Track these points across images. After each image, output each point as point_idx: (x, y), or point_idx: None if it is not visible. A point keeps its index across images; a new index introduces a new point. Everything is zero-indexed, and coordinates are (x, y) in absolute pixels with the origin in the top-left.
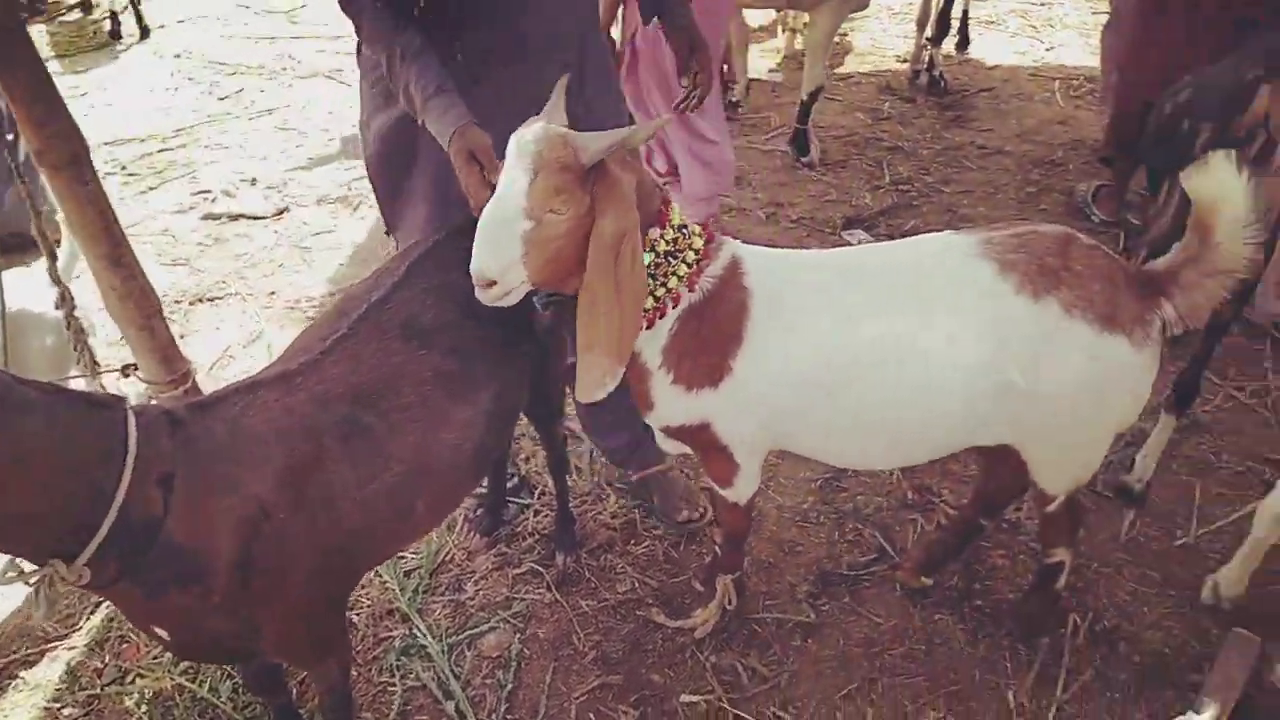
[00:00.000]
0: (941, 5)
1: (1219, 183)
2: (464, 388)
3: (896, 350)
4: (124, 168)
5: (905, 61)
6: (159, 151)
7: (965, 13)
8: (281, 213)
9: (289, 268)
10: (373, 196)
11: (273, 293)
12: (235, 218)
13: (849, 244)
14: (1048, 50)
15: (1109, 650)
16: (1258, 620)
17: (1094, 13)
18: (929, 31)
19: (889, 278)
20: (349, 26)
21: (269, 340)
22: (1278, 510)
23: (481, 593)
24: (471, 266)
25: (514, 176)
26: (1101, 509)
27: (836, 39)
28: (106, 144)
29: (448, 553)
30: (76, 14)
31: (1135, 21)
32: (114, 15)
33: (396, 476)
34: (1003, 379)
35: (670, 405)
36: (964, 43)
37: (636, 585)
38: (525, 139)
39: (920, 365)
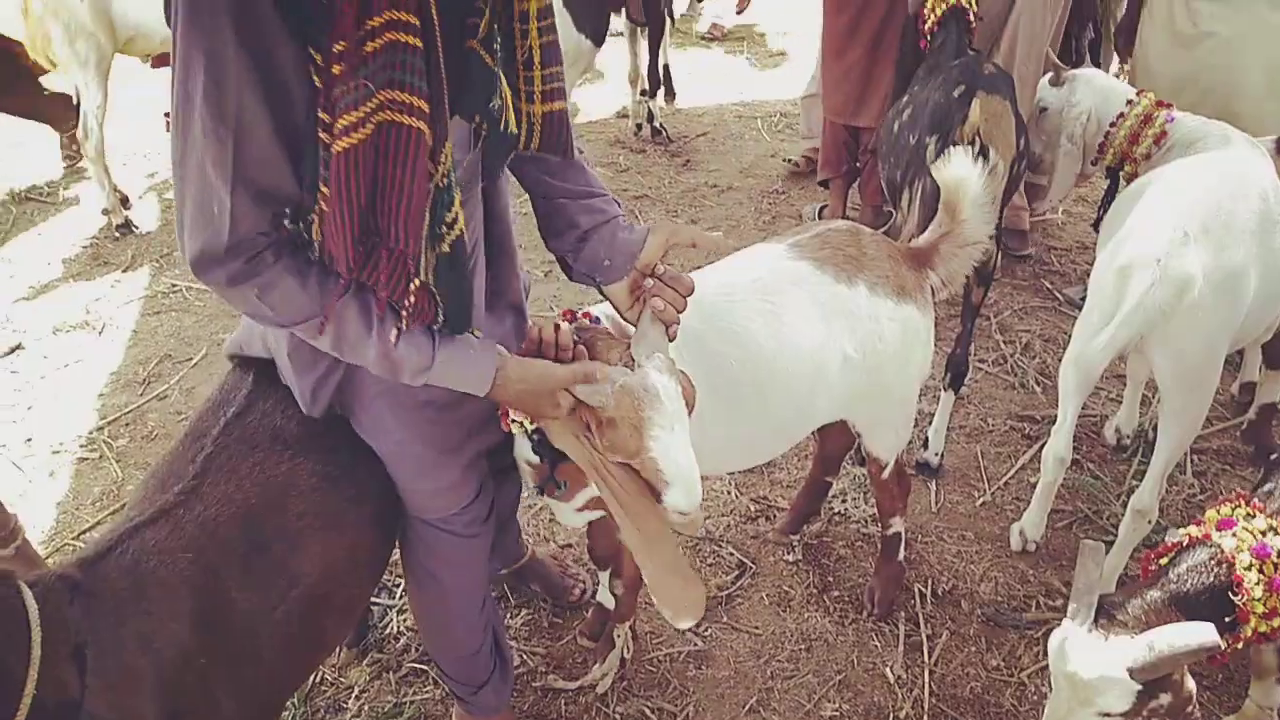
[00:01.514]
0: (649, 64)
1: (961, 172)
2: (350, 489)
3: (768, 351)
4: None
5: (625, 117)
6: None
7: (666, 67)
8: (14, 350)
9: (39, 409)
10: (122, 314)
11: (29, 440)
12: None
13: None
14: (740, 94)
15: (955, 609)
16: (1060, 553)
17: (770, 56)
18: (642, 87)
19: (737, 294)
20: (36, 144)
21: (40, 493)
22: (1057, 454)
23: (367, 706)
24: (692, 507)
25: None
26: (911, 487)
27: None
28: None
29: (317, 675)
30: None
31: (829, 64)
32: None
33: (304, 592)
34: (840, 354)
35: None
36: (670, 95)
37: (526, 657)
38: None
39: (790, 357)
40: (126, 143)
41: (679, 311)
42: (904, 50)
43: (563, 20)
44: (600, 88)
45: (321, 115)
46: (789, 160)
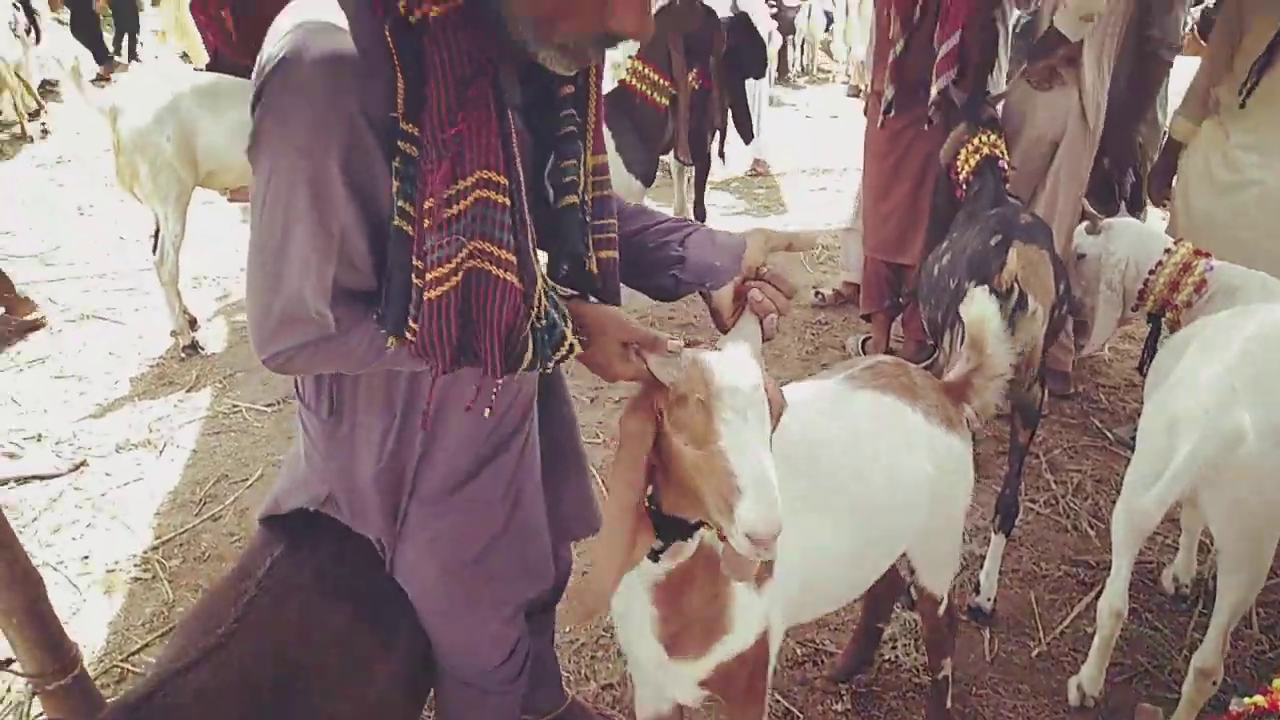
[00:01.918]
0: (695, 198)
1: (982, 310)
2: (387, 635)
3: (850, 479)
4: None
5: None
6: None
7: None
8: (79, 466)
9: (98, 527)
10: (183, 433)
11: (86, 557)
12: (25, 480)
13: None
14: (783, 224)
15: None
16: (1120, 708)
17: (812, 190)
18: (689, 216)
19: (811, 425)
20: (109, 263)
21: (93, 612)
22: (1113, 607)
23: None
24: (770, 528)
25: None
26: (963, 633)
27: None
28: None
29: None
30: None
31: (871, 204)
32: None
33: None
34: (921, 474)
35: (748, 616)
36: (701, 219)
37: None
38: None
39: (873, 482)
40: (198, 267)
41: (781, 311)
42: (939, 198)
43: (614, 162)
44: None
45: (415, 262)
46: (819, 294)
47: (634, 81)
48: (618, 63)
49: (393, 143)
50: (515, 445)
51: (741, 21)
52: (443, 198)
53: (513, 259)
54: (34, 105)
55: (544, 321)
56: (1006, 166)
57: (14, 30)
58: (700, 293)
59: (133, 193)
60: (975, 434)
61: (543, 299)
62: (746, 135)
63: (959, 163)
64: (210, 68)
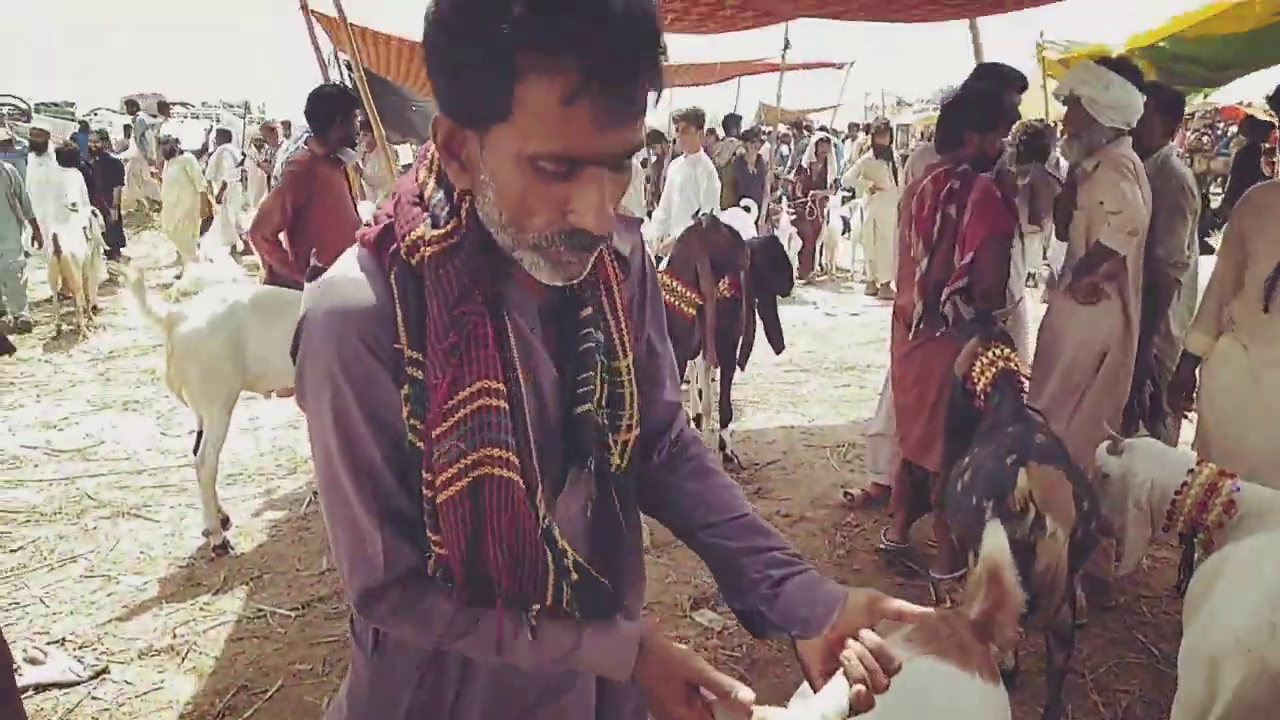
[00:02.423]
0: (721, 398)
1: (996, 545)
2: None
3: None
4: None
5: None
6: None
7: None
8: (100, 674)
9: None
10: (207, 639)
11: None
12: (44, 688)
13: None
14: (810, 422)
15: None
16: None
17: (836, 386)
18: (715, 416)
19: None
20: (150, 459)
21: None
22: None
23: None
24: None
25: None
26: None
27: None
28: None
29: None
30: None
31: (900, 408)
32: None
33: None
34: None
35: None
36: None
37: None
38: None
39: None
40: (234, 462)
41: (876, 688)
42: (955, 409)
43: None
44: None
45: (425, 474)
46: (849, 494)
47: (663, 294)
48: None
49: (402, 372)
50: (566, 700)
51: (771, 244)
52: (447, 408)
53: (515, 460)
54: (95, 304)
55: (569, 560)
56: (1024, 380)
57: (86, 233)
58: (789, 639)
59: (181, 396)
60: (1019, 649)
61: (541, 503)
62: (777, 345)
63: (974, 374)
64: (268, 282)
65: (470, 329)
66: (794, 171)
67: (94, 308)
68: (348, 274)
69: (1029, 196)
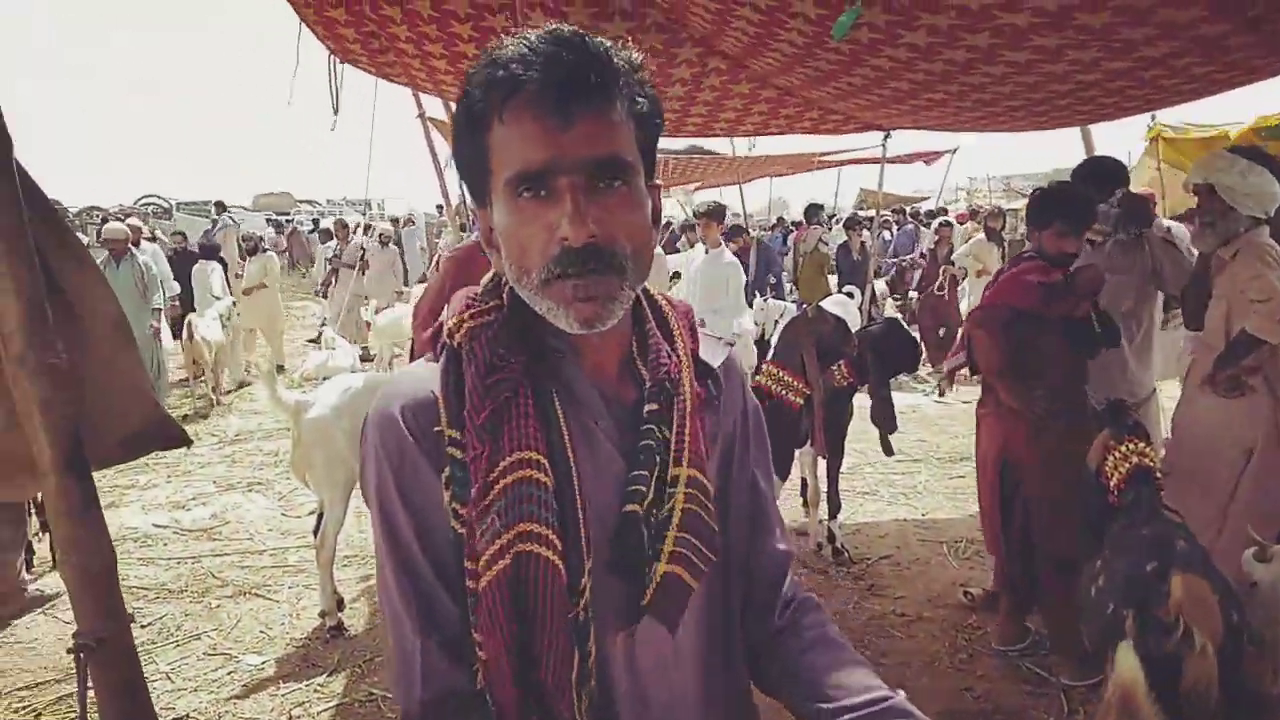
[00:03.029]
0: (829, 489)
1: (1129, 671)
2: None
3: None
4: (38, 716)
5: (804, 534)
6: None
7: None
8: None
9: None
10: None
11: None
12: None
13: None
14: (924, 515)
15: None
16: None
17: (950, 478)
18: (823, 507)
19: None
20: (270, 539)
21: None
22: None
23: None
24: None
25: None
26: None
27: None
28: (20, 689)
29: None
30: None
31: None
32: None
33: None
34: None
35: None
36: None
37: None
38: None
39: None
40: (348, 544)
41: None
42: (1090, 503)
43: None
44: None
45: (468, 564)
46: (969, 594)
47: (768, 383)
48: (743, 372)
49: (443, 455)
50: None
51: (894, 325)
52: (485, 482)
53: (556, 540)
54: (226, 388)
55: (584, 616)
56: (1160, 475)
57: (224, 321)
58: None
59: (305, 480)
60: None
61: (588, 593)
62: (888, 426)
63: (1108, 469)
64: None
65: (507, 398)
66: (916, 256)
67: (225, 391)
68: (408, 370)
69: (1151, 267)
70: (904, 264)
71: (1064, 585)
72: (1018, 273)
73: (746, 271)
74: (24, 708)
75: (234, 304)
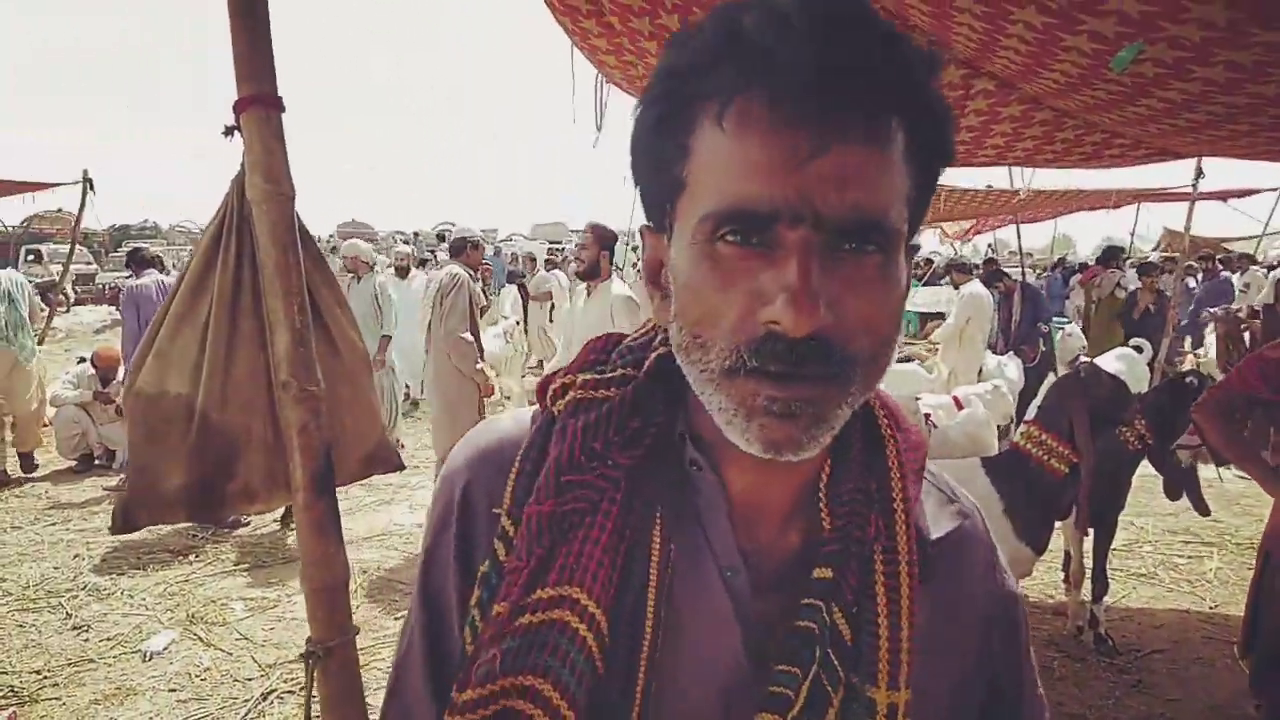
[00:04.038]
0: (1097, 562)
1: None
2: None
3: None
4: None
5: (1062, 614)
6: None
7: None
8: None
9: None
10: None
11: None
12: None
13: None
14: (1213, 609)
15: None
16: None
17: (1249, 568)
18: (1087, 586)
19: None
20: None
21: None
22: None
23: None
24: None
25: None
26: None
27: None
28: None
29: None
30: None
31: None
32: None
33: None
34: None
35: None
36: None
37: None
38: None
39: None
40: None
41: None
42: None
43: (1003, 526)
44: (1034, 572)
45: (454, 694)
46: (1260, 707)
47: (1029, 446)
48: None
49: (489, 543)
50: None
51: (1182, 385)
52: (514, 605)
53: (569, 713)
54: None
55: None
56: None
57: (507, 338)
58: None
59: None
60: None
61: None
62: (1199, 507)
63: None
64: None
65: (580, 508)
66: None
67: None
68: (511, 414)
69: None
70: (1211, 316)
71: None
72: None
73: (1008, 321)
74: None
75: (518, 323)
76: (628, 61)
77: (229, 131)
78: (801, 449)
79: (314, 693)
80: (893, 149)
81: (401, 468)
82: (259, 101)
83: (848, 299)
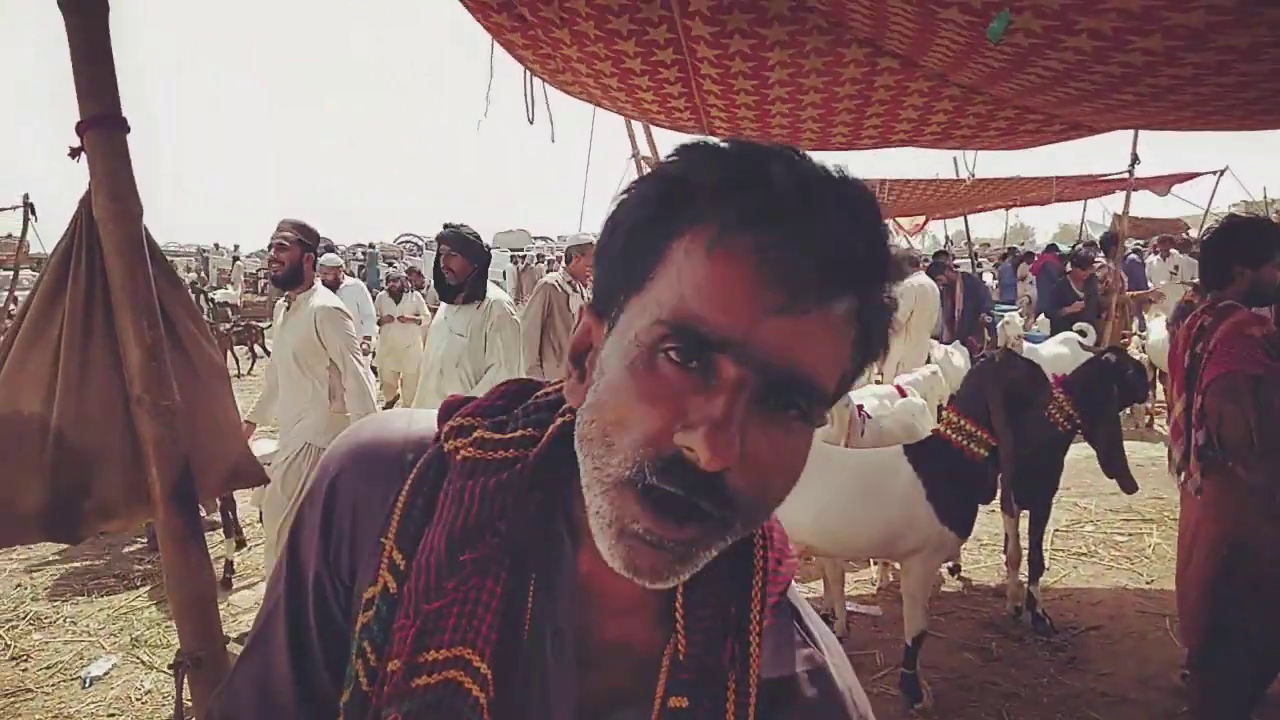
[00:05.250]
0: (1033, 543)
1: None
2: None
3: None
4: None
5: (1001, 595)
6: None
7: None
8: None
9: None
10: None
11: None
12: None
13: None
14: (1149, 583)
15: None
16: None
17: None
18: (1023, 569)
19: None
20: None
21: None
22: None
23: None
24: None
25: None
26: None
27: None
28: None
29: None
30: None
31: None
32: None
33: None
34: None
35: None
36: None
37: None
38: None
39: None
40: None
41: None
42: None
43: (925, 511)
44: (975, 557)
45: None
46: (1186, 676)
47: (949, 432)
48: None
49: (377, 566)
50: None
51: (1110, 362)
52: (409, 664)
53: None
54: None
55: None
56: None
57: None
58: None
59: None
60: None
61: None
62: (1126, 485)
63: None
64: None
65: (474, 582)
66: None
67: None
68: (407, 416)
69: None
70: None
71: None
72: (1243, 335)
73: (953, 312)
74: None
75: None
76: (544, 55)
77: (74, 153)
78: (660, 580)
79: (186, 702)
80: (848, 333)
81: (266, 481)
82: (102, 121)
83: (760, 449)
